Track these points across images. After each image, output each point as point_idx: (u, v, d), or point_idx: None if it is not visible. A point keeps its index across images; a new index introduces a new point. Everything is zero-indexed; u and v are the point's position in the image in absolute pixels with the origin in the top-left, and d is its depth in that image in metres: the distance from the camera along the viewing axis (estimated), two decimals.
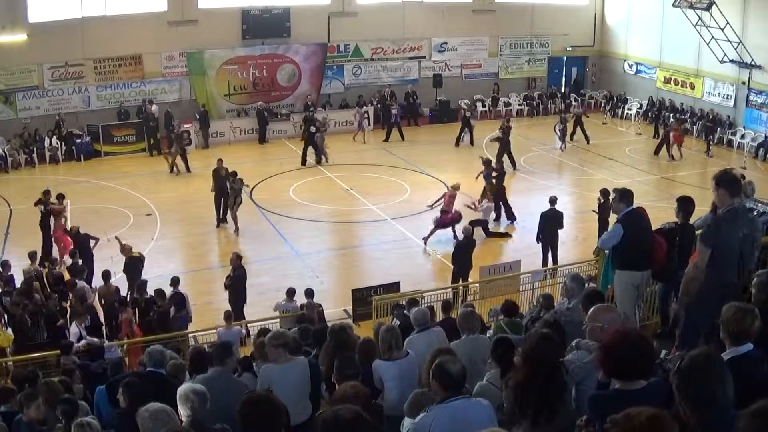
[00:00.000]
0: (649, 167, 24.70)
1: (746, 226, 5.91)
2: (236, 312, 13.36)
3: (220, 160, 20.10)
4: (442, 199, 18.22)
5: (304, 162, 24.64)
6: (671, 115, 28.71)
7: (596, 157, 25.68)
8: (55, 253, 16.35)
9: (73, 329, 12.04)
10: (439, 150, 26.66)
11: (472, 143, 27.04)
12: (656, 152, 25.64)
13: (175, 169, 23.90)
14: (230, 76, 28.60)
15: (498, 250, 18.05)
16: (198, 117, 27.30)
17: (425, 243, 17.87)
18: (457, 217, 17.97)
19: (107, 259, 16.45)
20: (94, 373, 9.42)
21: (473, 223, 17.00)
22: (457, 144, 27.16)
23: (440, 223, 17.92)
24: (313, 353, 7.99)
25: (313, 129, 24.63)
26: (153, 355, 6.71)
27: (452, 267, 15.43)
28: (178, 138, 24.06)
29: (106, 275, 13.78)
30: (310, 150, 24.79)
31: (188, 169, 24.01)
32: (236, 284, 14.08)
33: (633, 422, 2.93)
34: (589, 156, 25.87)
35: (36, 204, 16.97)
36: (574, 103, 31.60)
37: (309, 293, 13.04)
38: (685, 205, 8.12)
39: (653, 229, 7.97)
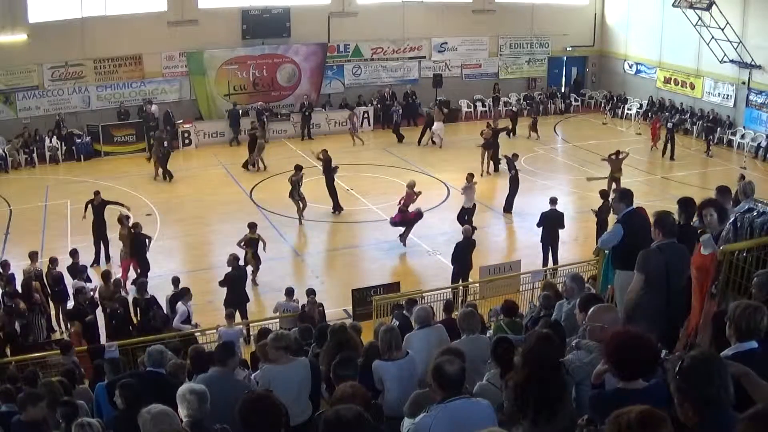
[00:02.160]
0: (649, 167, 24.70)
1: (672, 258, 6.50)
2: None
3: (324, 151, 20.47)
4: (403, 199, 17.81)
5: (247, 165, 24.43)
6: (669, 114, 28.76)
7: (596, 157, 25.65)
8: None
9: (181, 308, 12.41)
10: (438, 150, 26.65)
11: (432, 141, 27.20)
12: (663, 154, 25.64)
13: (158, 176, 23.13)
14: (230, 76, 28.61)
15: (498, 250, 18.06)
16: (228, 115, 27.52)
17: (404, 244, 17.80)
18: (414, 217, 17.73)
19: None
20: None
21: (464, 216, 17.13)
22: (419, 143, 27.28)
23: (399, 221, 17.70)
24: (311, 350, 8.01)
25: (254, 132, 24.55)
26: (153, 355, 6.71)
27: (452, 267, 15.43)
28: (159, 142, 23.46)
29: (106, 275, 13.77)
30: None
31: (165, 177, 23.05)
32: (231, 284, 14.08)
33: (621, 420, 2.94)
34: (589, 156, 25.86)
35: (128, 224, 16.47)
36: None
37: (310, 292, 13.06)
38: (686, 206, 8.13)
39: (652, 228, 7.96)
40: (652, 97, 30.76)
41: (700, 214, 6.99)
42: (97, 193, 17.23)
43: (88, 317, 12.60)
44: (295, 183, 19.21)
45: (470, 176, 18.61)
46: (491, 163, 23.32)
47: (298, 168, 19.57)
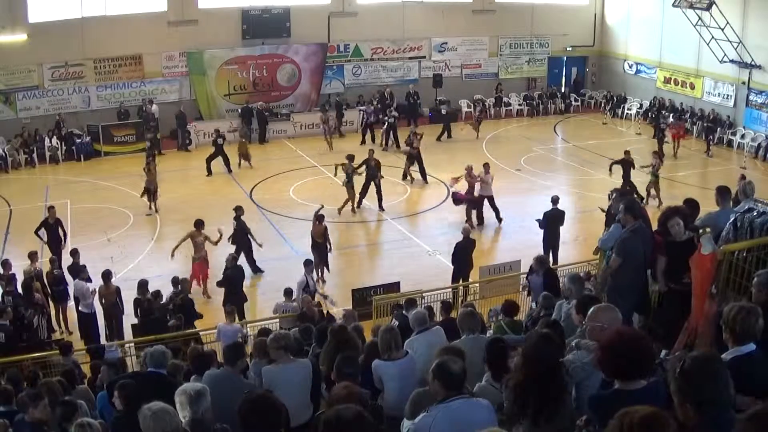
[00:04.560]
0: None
1: (644, 238, 7.27)
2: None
3: (371, 150, 21.27)
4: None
5: (210, 172, 23.86)
6: (670, 114, 28.76)
7: (596, 157, 25.66)
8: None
9: (299, 277, 13.35)
10: (438, 150, 26.63)
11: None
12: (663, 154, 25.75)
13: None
14: (230, 76, 28.62)
15: (498, 250, 18.07)
16: (240, 113, 27.69)
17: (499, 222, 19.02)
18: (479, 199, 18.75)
19: (107, 259, 16.49)
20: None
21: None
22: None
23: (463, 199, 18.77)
24: (311, 350, 8.01)
25: (220, 141, 24.05)
26: (155, 355, 6.70)
27: (452, 267, 15.43)
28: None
29: (106, 275, 13.77)
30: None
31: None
32: (229, 284, 14.08)
33: (624, 420, 2.94)
34: (589, 156, 25.88)
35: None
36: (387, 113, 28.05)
37: (307, 293, 13.06)
38: (690, 209, 8.16)
39: (652, 229, 7.98)
40: (656, 97, 30.71)
41: (665, 224, 7.08)
42: (51, 208, 16.69)
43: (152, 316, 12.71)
44: (349, 173, 19.73)
45: (486, 165, 19.24)
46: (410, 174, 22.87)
47: (351, 158, 20.04)
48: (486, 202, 19.10)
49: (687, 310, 6.52)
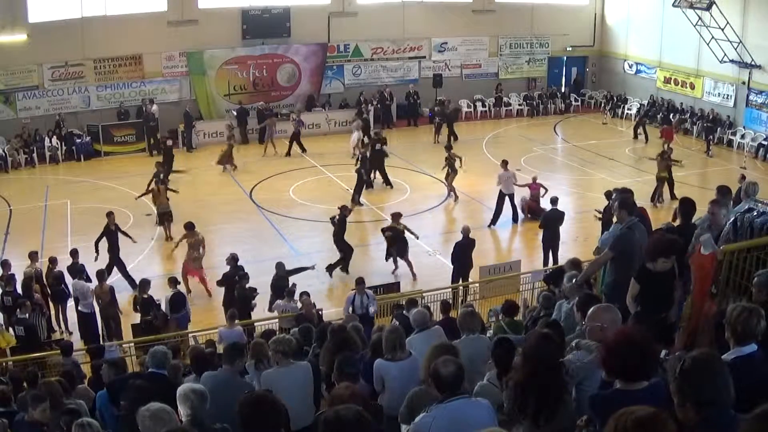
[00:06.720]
0: (649, 167, 24.62)
1: (639, 235, 7.34)
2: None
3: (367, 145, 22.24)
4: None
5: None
6: (670, 114, 28.83)
7: (596, 157, 25.68)
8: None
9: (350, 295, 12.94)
10: (439, 150, 26.58)
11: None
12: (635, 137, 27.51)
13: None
14: (230, 76, 28.62)
15: (498, 250, 18.06)
16: (235, 114, 27.51)
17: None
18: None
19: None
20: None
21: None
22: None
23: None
24: (311, 350, 8.01)
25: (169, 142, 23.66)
26: (157, 356, 6.70)
27: (452, 267, 15.43)
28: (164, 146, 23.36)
29: (100, 275, 13.76)
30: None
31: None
32: (229, 284, 14.08)
33: (620, 420, 2.94)
34: (589, 156, 25.88)
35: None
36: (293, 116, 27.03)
37: (303, 294, 13.03)
38: (685, 207, 8.15)
39: (653, 228, 7.98)
40: (653, 96, 30.71)
41: (657, 256, 6.45)
42: (110, 214, 15.96)
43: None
44: (451, 162, 20.87)
45: (504, 163, 19.56)
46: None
47: (449, 148, 21.59)
48: (507, 200, 19.19)
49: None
